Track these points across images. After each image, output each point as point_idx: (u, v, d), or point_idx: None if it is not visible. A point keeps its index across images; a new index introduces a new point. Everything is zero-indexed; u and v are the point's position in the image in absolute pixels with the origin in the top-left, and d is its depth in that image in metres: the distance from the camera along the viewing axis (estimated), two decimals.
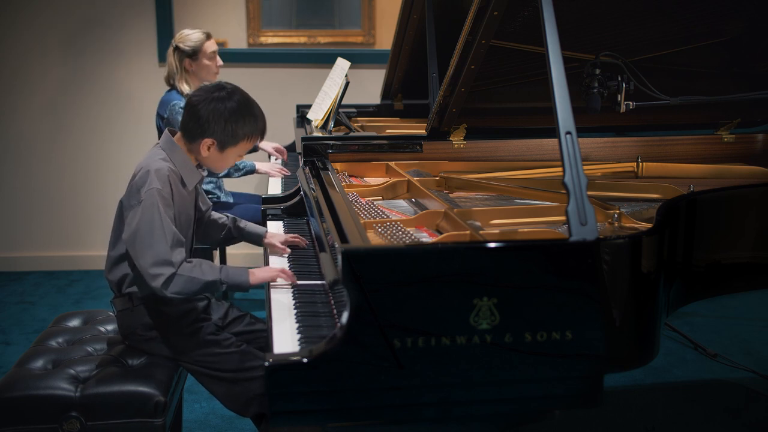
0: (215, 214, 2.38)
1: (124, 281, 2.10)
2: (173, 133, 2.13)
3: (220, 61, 3.53)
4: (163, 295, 1.97)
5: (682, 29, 2.57)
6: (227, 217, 2.40)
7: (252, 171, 3.58)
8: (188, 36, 3.43)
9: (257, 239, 2.37)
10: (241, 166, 3.55)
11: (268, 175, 3.60)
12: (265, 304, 1.99)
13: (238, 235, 2.39)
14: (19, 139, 4.50)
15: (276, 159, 3.80)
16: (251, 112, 2.09)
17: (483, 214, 2.07)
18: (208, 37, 3.47)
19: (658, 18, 2.51)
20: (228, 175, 3.54)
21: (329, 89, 3.31)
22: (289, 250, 2.30)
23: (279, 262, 2.24)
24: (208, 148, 2.07)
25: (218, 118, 2.03)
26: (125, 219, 2.03)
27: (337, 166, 2.60)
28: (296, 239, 2.33)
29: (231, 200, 3.73)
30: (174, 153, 2.09)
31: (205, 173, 2.21)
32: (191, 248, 2.22)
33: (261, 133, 2.13)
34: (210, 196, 3.61)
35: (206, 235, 2.38)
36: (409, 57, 3.67)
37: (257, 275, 2.06)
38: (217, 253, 4.05)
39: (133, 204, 2.01)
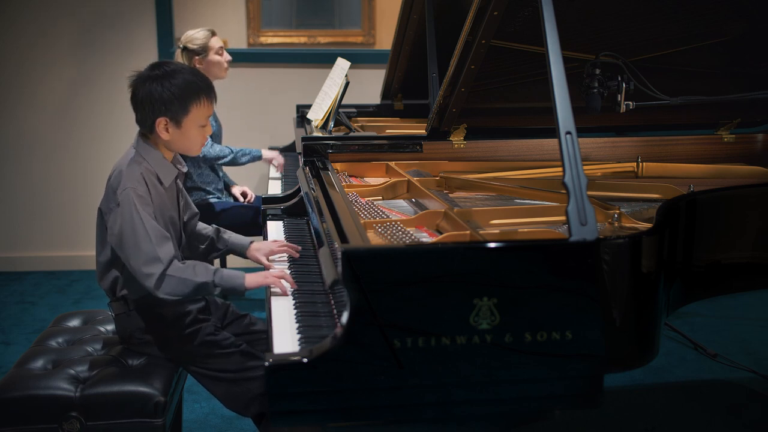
0: (200, 225, 2.32)
1: (116, 285, 2.10)
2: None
3: (227, 56, 3.63)
4: (156, 296, 1.95)
5: (682, 29, 2.57)
6: (211, 227, 2.33)
7: (258, 157, 3.61)
8: (194, 35, 3.53)
9: (241, 250, 2.29)
10: (247, 151, 3.57)
11: (271, 163, 3.63)
12: (265, 304, 1.98)
13: (222, 246, 2.31)
14: (19, 139, 4.50)
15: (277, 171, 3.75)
16: (190, 78, 2.03)
17: (483, 214, 2.07)
18: (213, 33, 3.58)
19: (659, 18, 2.51)
20: (235, 161, 3.54)
21: (329, 89, 3.31)
22: (272, 265, 2.18)
23: (279, 264, 2.23)
24: (166, 129, 2.03)
25: (159, 94, 1.99)
26: (107, 223, 2.02)
27: (337, 166, 2.60)
28: (285, 248, 2.22)
29: (231, 200, 3.73)
30: (147, 151, 2.07)
31: (184, 169, 2.18)
32: (181, 247, 2.18)
33: (206, 92, 2.05)
34: (210, 196, 3.61)
35: (190, 246, 2.30)
36: (409, 57, 3.67)
37: (253, 280, 2.01)
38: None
39: (111, 207, 2.00)
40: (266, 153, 3.65)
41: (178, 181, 2.18)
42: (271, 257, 2.24)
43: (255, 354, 2.11)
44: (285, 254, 2.24)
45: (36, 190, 4.56)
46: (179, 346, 2.10)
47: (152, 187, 2.04)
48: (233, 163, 3.55)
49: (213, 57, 3.54)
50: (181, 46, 3.53)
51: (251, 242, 2.30)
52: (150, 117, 2.03)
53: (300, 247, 2.25)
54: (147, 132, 2.08)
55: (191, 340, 2.09)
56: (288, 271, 2.13)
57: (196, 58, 3.52)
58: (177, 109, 2.01)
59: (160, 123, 2.03)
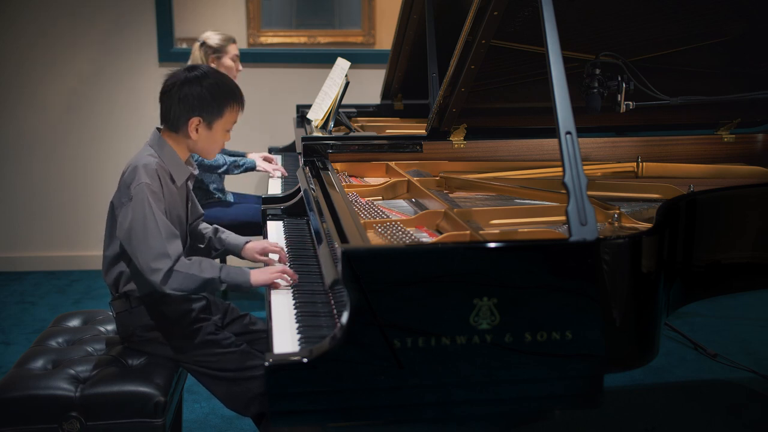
0: (201, 224, 2.33)
1: (121, 280, 2.10)
2: (161, 131, 2.13)
3: (240, 66, 3.70)
4: (162, 291, 1.96)
5: (682, 29, 2.57)
6: (211, 227, 2.34)
7: (252, 167, 3.60)
8: (213, 35, 3.63)
9: (236, 250, 2.31)
10: (240, 163, 3.56)
11: (266, 172, 3.62)
12: (265, 304, 1.99)
13: (219, 246, 2.32)
14: (19, 139, 4.50)
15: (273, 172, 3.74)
16: (227, 83, 2.11)
17: (483, 214, 2.07)
18: (233, 41, 3.67)
19: (659, 18, 2.51)
20: (227, 172, 3.54)
21: (329, 89, 3.31)
22: (271, 260, 2.22)
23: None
24: (197, 129, 2.07)
25: (198, 95, 2.04)
26: (117, 217, 2.03)
27: (337, 166, 2.60)
28: (279, 249, 2.23)
29: (231, 200, 3.73)
30: (162, 149, 2.09)
31: (196, 171, 2.20)
32: (186, 248, 2.20)
33: (240, 102, 2.13)
34: (211, 195, 3.61)
35: (191, 246, 2.30)
36: (409, 57, 3.67)
37: (258, 277, 2.03)
38: None
39: (124, 201, 2.01)
40: (261, 163, 3.63)
41: (189, 182, 2.19)
42: (271, 255, 2.24)
43: (255, 354, 2.11)
44: (284, 252, 2.25)
45: (36, 190, 4.56)
46: (180, 344, 2.11)
47: (165, 185, 2.06)
48: (225, 173, 3.55)
49: (227, 61, 3.62)
50: (200, 41, 3.61)
51: (246, 242, 2.31)
52: (184, 116, 2.06)
53: (286, 256, 2.25)
54: (173, 130, 2.09)
55: (192, 339, 2.10)
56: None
57: (213, 56, 3.59)
58: (212, 111, 2.06)
59: (193, 123, 2.06)
